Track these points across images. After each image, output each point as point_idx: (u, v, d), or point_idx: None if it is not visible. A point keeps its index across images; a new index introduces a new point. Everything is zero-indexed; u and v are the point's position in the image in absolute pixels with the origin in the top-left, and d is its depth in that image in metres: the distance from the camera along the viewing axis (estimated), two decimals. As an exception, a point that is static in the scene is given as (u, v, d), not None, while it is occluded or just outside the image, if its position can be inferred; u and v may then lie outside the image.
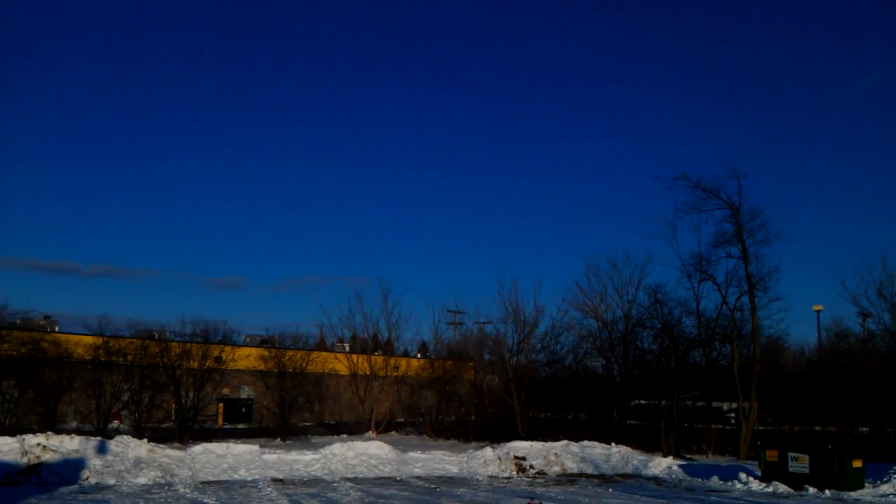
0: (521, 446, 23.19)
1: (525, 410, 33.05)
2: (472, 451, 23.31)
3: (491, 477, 20.19)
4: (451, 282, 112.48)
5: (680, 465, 22.31)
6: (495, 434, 30.71)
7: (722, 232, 28.65)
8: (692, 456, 27.06)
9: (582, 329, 36.15)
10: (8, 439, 18.30)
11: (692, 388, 29.05)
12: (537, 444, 23.50)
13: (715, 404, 32.26)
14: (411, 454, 22.02)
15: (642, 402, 33.45)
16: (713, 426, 30.02)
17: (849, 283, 51.43)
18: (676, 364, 30.62)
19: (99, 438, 19.49)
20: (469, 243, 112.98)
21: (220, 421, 39.29)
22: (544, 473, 21.31)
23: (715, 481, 19.37)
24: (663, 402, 29.46)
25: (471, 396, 39.67)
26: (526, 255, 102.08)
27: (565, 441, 24.38)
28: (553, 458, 22.58)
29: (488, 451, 22.36)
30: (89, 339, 30.18)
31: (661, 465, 22.43)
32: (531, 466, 21.75)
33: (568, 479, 20.34)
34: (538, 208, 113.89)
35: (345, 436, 31.53)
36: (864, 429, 28.55)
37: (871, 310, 30.08)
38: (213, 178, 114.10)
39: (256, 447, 20.91)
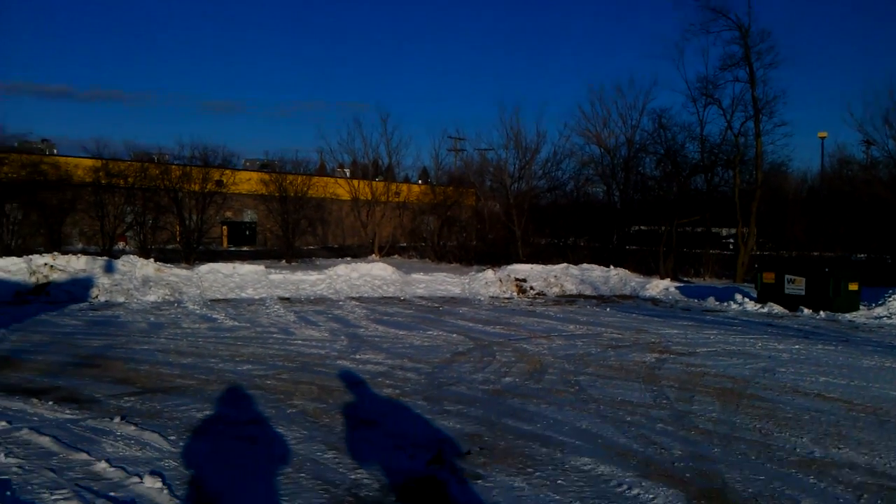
0: (521, 269, 23.61)
1: (526, 236, 33.45)
2: (473, 273, 23.74)
3: (492, 297, 20.64)
4: (452, 108, 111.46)
5: (677, 287, 22.81)
6: (496, 258, 31.23)
7: (730, 54, 28.19)
8: (689, 279, 27.63)
9: (584, 155, 36.06)
10: (15, 259, 18.54)
11: (692, 213, 29.29)
12: (537, 267, 23.93)
13: (714, 230, 32.64)
14: (414, 276, 22.43)
15: (642, 227, 33.83)
16: (711, 251, 30.47)
17: (855, 111, 50.69)
18: (678, 190, 30.73)
19: (106, 258, 19.78)
20: (471, 68, 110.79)
21: (225, 243, 39.91)
22: (544, 294, 21.79)
23: (711, 302, 19.83)
24: (663, 228, 29.78)
25: (472, 222, 40.08)
26: (529, 80, 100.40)
27: (565, 264, 24.81)
28: (553, 280, 23.03)
29: (489, 273, 22.78)
30: (88, 162, 30.10)
31: (659, 286, 22.93)
32: (531, 288, 22.21)
33: (567, 299, 20.82)
34: (542, 31, 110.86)
35: (348, 259, 32.04)
36: (862, 255, 28.99)
37: (876, 137, 29.87)
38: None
39: (262, 267, 21.26)
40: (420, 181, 49.78)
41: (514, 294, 21.57)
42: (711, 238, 32.02)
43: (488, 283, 22.08)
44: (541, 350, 11.41)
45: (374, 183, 39.61)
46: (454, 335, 12.86)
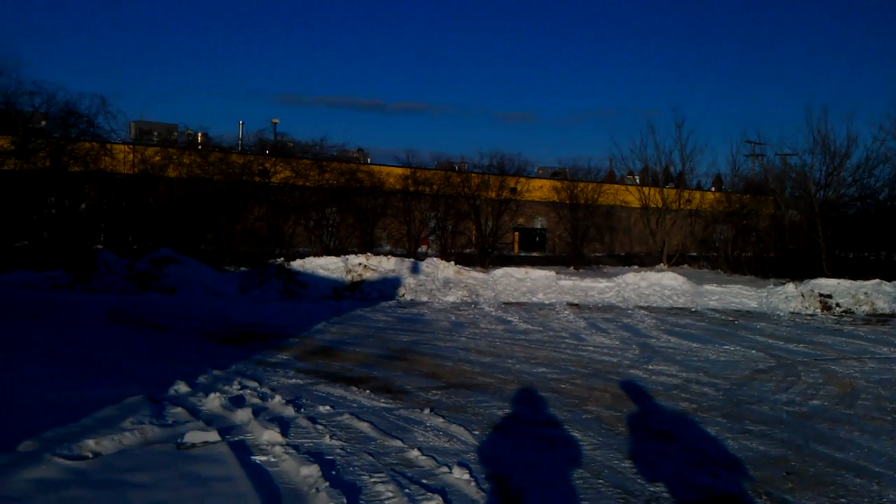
0: (826, 283, 21.95)
1: (831, 248, 31.03)
2: (771, 286, 22.50)
3: (792, 313, 19.43)
4: (750, 112, 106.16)
5: None
6: (796, 271, 29.24)
7: None
8: None
9: (901, 161, 32.69)
10: (334, 259, 20.50)
11: None
12: (845, 282, 22.10)
13: None
14: (706, 287, 21.71)
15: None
16: None
17: None
18: None
19: (412, 260, 21.23)
20: (773, 70, 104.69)
21: (516, 249, 41.07)
22: (852, 312, 20.14)
23: None
24: None
25: (770, 232, 37.84)
26: (839, 80, 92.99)
27: (877, 280, 22.69)
28: (862, 297, 21.19)
29: (790, 287, 21.45)
30: (398, 170, 32.41)
31: None
32: (837, 305, 20.61)
33: (878, 318, 19.07)
34: (850, 26, 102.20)
35: (636, 267, 31.68)
36: None
37: None
38: (504, 14, 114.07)
39: (552, 273, 21.69)
40: (713, 188, 47.83)
41: (818, 310, 20.14)
42: None
43: (788, 297, 20.81)
44: (851, 372, 10.61)
45: (665, 190, 38.76)
46: (753, 351, 12.32)
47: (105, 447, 5.76)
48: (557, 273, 22.12)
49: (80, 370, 8.74)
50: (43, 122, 23.90)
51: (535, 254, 40.21)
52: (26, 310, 14.16)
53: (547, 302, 19.06)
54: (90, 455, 5.60)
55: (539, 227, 43.33)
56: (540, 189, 38.12)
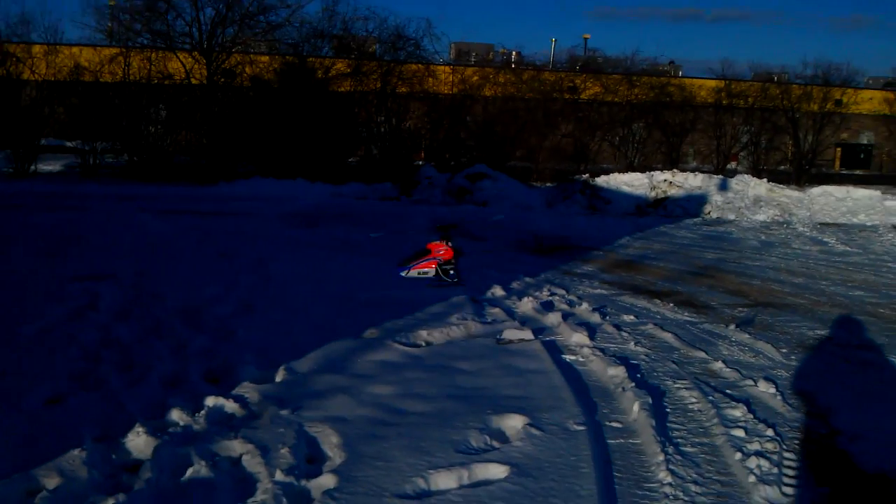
0: None
1: None
2: None
3: None
4: None
5: None
6: None
7: None
8: None
9: None
10: (638, 175, 20.54)
11: None
12: None
13: None
14: None
15: None
16: None
17: None
18: None
19: (720, 177, 20.60)
20: None
21: (837, 166, 38.01)
22: None
23: None
24: None
25: None
26: None
27: None
28: None
29: None
30: (711, 83, 31.09)
31: None
32: None
33: None
34: None
35: None
36: None
37: None
38: None
39: (878, 192, 20.05)
40: None
41: None
42: None
43: None
44: None
45: None
46: None
47: (435, 338, 6.56)
48: (884, 193, 20.37)
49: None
50: (375, 46, 25.76)
51: (858, 172, 36.94)
52: (362, 219, 15.85)
53: (869, 223, 17.71)
54: (423, 344, 6.42)
55: (865, 142, 39.59)
56: (869, 101, 34.71)
